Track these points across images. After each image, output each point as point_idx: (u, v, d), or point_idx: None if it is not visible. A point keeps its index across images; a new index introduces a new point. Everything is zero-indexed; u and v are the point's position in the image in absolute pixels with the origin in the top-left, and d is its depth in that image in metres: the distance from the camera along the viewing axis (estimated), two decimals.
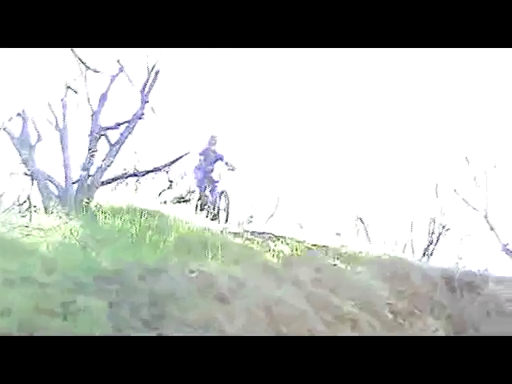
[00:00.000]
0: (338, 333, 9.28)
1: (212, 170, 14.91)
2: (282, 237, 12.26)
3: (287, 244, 11.80)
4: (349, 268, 11.76)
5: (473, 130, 18.05)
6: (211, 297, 8.52)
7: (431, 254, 18.48)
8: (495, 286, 13.62)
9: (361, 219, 20.03)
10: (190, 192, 16.45)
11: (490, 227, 15.59)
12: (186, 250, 9.83)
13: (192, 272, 8.86)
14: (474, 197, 16.07)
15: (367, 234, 19.77)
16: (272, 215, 20.23)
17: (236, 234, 11.86)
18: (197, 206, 14.51)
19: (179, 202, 16.46)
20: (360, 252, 12.55)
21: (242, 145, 18.15)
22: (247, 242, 11.41)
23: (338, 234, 17.56)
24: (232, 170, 14.90)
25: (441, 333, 11.20)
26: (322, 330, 9.15)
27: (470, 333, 11.78)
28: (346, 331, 9.60)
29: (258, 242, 11.46)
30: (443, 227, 18.75)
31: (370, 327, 10.18)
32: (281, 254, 11.04)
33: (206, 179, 14.80)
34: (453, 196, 16.46)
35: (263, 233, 12.51)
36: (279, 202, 20.93)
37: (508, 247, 15.30)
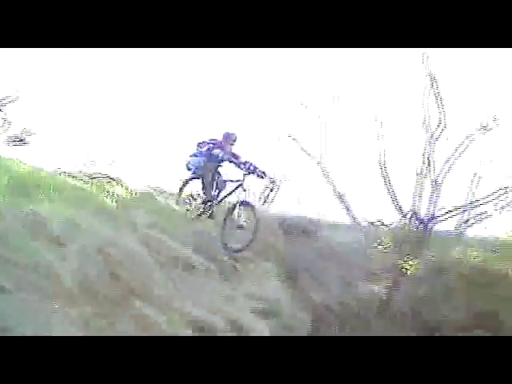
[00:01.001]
0: (171, 275, 9.37)
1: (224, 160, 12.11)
2: (119, 180, 12.18)
3: (125, 187, 11.75)
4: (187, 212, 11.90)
5: (309, 76, 18.33)
6: (44, 239, 8.30)
7: (269, 201, 18.85)
8: (328, 231, 14.25)
9: None
10: (26, 132, 15.94)
11: (325, 174, 15.98)
12: (18, 191, 9.53)
13: (24, 213, 8.59)
14: (310, 143, 16.38)
15: None
16: (114, 161, 19.95)
17: (73, 176, 11.67)
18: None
19: (14, 143, 15.95)
20: None
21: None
22: (84, 184, 11.25)
23: (180, 179, 17.61)
24: (271, 189, 13.19)
25: (273, 275, 11.57)
26: (157, 274, 9.15)
27: (303, 275, 12.25)
28: (180, 273, 9.71)
29: (95, 185, 11.32)
30: (281, 174, 19.12)
31: (205, 270, 10.36)
32: (117, 197, 10.97)
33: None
34: (289, 142, 16.65)
35: (100, 174, 12.36)
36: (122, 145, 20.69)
37: (341, 194, 15.83)
